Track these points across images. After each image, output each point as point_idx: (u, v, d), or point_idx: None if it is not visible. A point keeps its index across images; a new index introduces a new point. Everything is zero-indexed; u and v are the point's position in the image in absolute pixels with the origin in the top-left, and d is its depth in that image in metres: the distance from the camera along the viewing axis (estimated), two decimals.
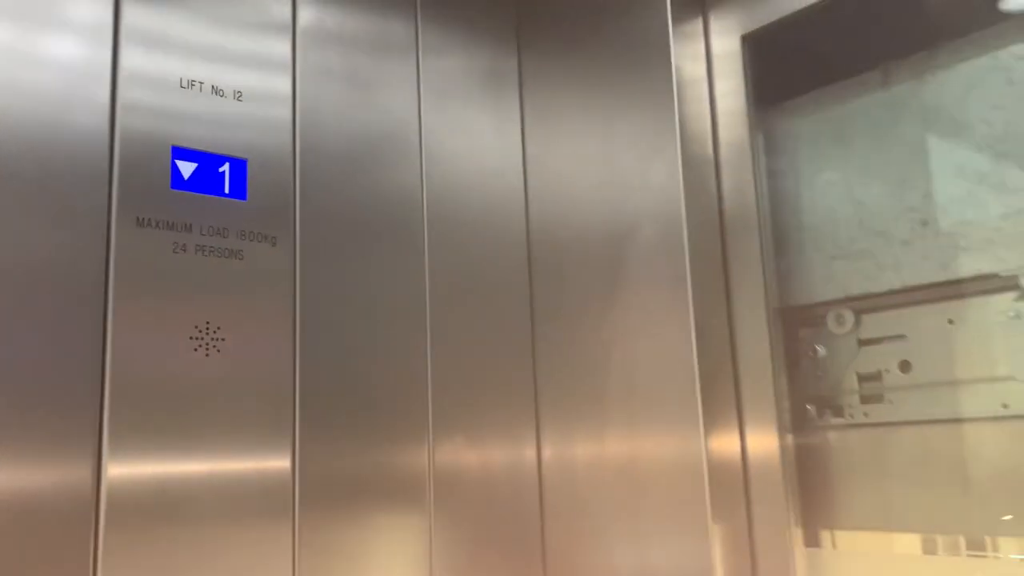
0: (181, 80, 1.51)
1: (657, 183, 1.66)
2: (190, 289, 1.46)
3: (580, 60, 1.87)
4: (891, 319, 1.70)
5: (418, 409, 1.70)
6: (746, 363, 1.66)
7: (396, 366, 1.68)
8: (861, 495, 1.70)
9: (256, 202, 1.55)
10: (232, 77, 1.56)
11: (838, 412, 1.75)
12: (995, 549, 1.52)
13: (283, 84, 1.63)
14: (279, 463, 1.51)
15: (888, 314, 1.70)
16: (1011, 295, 1.53)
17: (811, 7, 1.62)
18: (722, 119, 1.74)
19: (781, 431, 1.62)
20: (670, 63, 1.67)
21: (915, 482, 1.64)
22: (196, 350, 1.45)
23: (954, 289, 1.61)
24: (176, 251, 1.45)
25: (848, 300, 1.74)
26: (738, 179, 1.71)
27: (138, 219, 1.42)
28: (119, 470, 1.34)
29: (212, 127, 1.53)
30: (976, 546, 1.54)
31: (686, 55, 1.73)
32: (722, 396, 1.64)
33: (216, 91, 1.54)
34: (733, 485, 1.62)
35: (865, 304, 1.73)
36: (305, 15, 1.68)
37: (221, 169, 1.52)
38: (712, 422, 1.58)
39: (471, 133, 1.89)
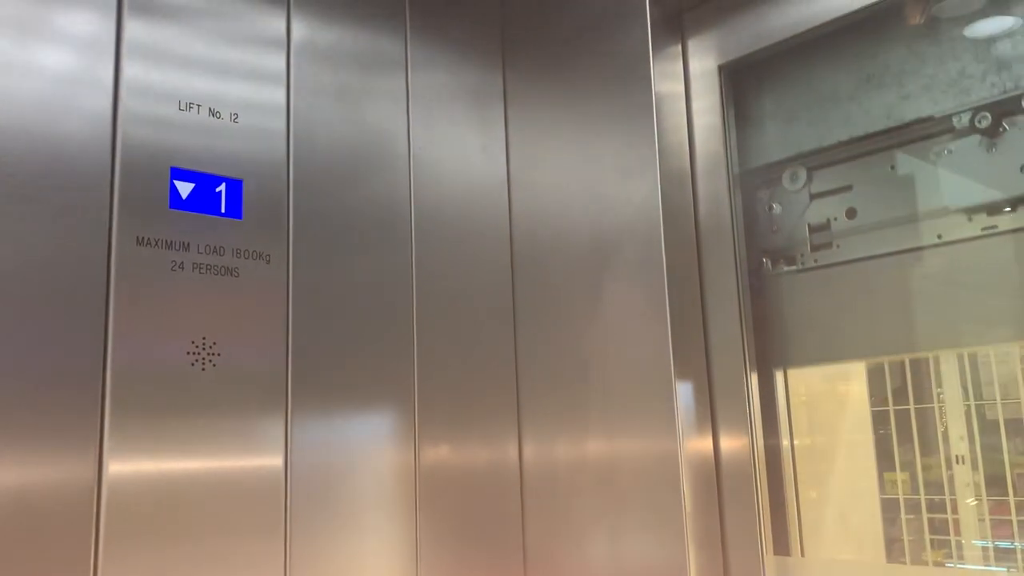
0: (180, 103, 1.55)
1: (636, 199, 1.72)
2: (187, 305, 1.51)
3: (563, 78, 1.93)
4: (840, 172, 1.83)
5: (405, 413, 1.76)
6: (721, 377, 1.73)
7: (384, 374, 1.74)
8: (812, 333, 1.83)
9: (251, 221, 1.60)
10: (229, 98, 1.61)
11: (791, 261, 1.86)
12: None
13: (278, 104, 1.68)
14: (272, 467, 1.56)
15: (837, 168, 1.83)
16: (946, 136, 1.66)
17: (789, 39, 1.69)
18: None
19: (753, 443, 1.68)
20: (650, 83, 1.73)
21: (861, 314, 1.77)
22: (193, 364, 1.50)
23: (895, 136, 1.73)
24: (174, 269, 1.50)
25: (800, 157, 1.85)
26: (714, 187, 1.78)
27: (138, 238, 1.47)
28: (119, 477, 1.39)
29: (210, 149, 1.58)
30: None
31: (665, 74, 1.79)
32: (698, 403, 1.70)
33: (213, 113, 1.59)
34: (707, 487, 1.68)
35: (816, 160, 1.85)
36: (299, 32, 1.73)
37: (218, 189, 1.56)
38: (688, 431, 1.64)
39: (458, 149, 1.95)
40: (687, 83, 1.84)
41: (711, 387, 1.73)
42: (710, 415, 1.72)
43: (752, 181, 1.90)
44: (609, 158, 1.78)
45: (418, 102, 1.90)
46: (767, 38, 1.72)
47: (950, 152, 1.66)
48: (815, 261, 1.83)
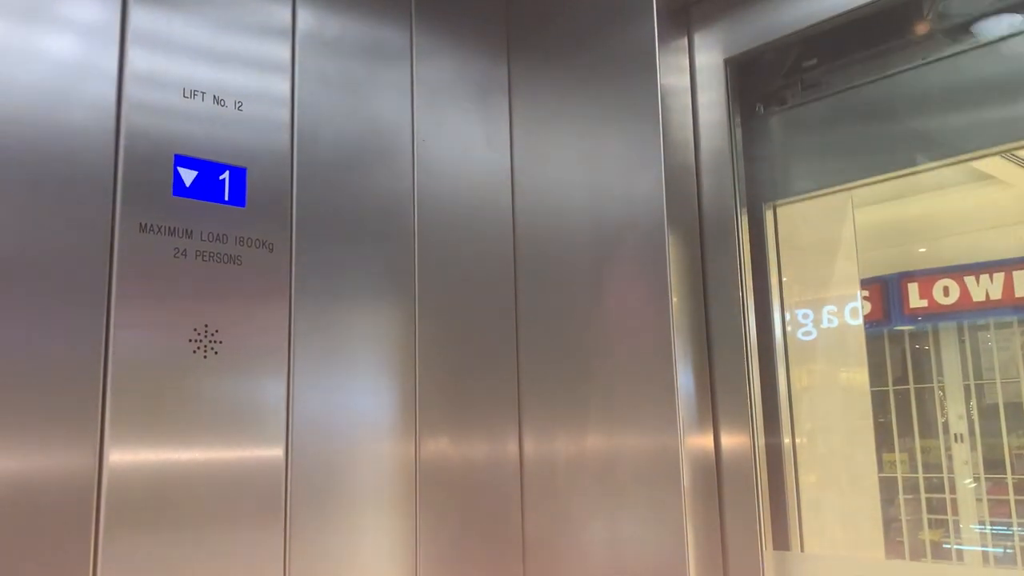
0: (184, 90, 1.55)
1: (640, 192, 1.72)
2: (190, 293, 1.51)
3: (568, 71, 1.92)
4: None
5: (406, 406, 1.76)
6: (723, 372, 1.73)
7: (386, 366, 1.74)
8: (799, 164, 1.86)
9: (255, 209, 1.60)
10: (233, 86, 1.61)
11: (782, 101, 1.87)
12: None
13: (282, 93, 1.67)
14: (273, 456, 1.57)
15: None
16: None
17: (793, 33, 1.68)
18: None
19: (754, 439, 1.68)
20: (656, 76, 1.72)
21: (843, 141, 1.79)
22: (195, 352, 1.50)
23: None
24: (177, 256, 1.50)
25: None
26: (718, 181, 1.77)
27: (141, 224, 1.47)
28: (120, 461, 1.40)
29: (213, 136, 1.58)
30: None
31: (670, 68, 1.79)
32: (699, 399, 1.70)
33: (218, 101, 1.59)
34: (707, 484, 1.69)
35: None
36: (305, 22, 1.72)
37: (221, 177, 1.56)
38: (689, 427, 1.65)
39: (462, 140, 1.95)
40: (693, 77, 1.83)
41: (712, 382, 1.73)
42: (711, 410, 1.72)
43: None
44: (613, 151, 1.78)
45: (423, 93, 1.89)
46: (774, 32, 1.71)
47: None
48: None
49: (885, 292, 7.55)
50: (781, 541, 1.71)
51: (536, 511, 1.86)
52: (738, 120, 1.82)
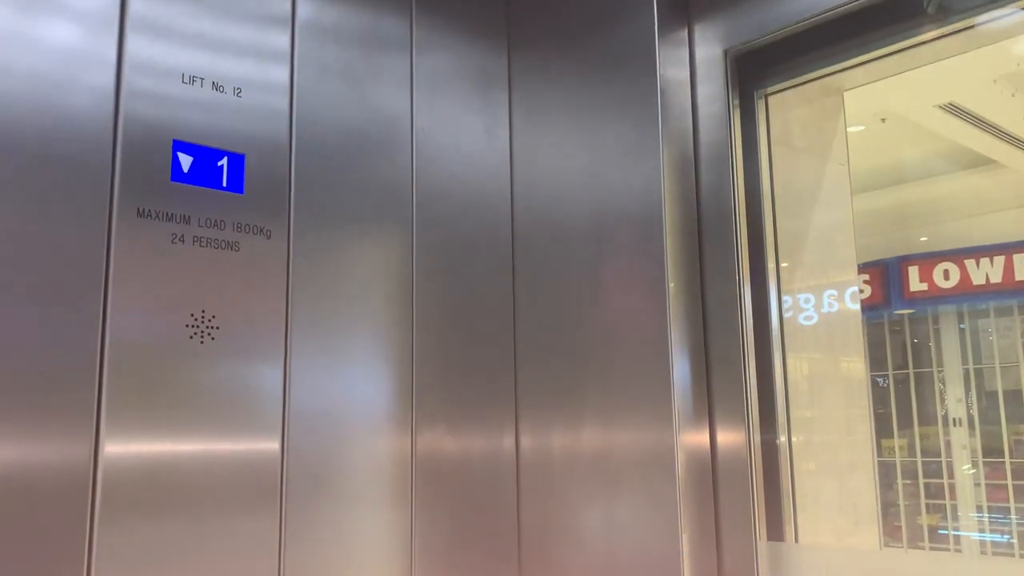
0: (183, 75, 1.55)
1: (638, 184, 1.72)
2: (187, 278, 1.51)
3: (568, 62, 1.91)
4: None
5: (403, 397, 1.76)
6: (719, 365, 1.73)
7: (383, 357, 1.74)
8: None
9: (253, 195, 1.60)
10: (233, 73, 1.61)
11: None
12: None
13: (281, 80, 1.67)
14: (269, 444, 1.57)
15: None
16: None
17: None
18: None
19: (749, 431, 1.68)
20: (655, 68, 1.72)
21: None
22: (192, 337, 1.50)
23: None
24: (174, 241, 1.50)
25: None
26: (717, 173, 1.77)
27: (139, 210, 1.47)
28: (115, 448, 1.40)
29: (212, 122, 1.57)
30: None
31: (670, 60, 1.78)
32: (695, 390, 1.71)
33: (217, 87, 1.58)
34: (702, 476, 1.69)
35: None
36: (304, 9, 1.72)
37: (220, 163, 1.56)
38: (685, 420, 1.65)
39: (461, 130, 1.95)
40: (692, 69, 1.82)
41: (709, 374, 1.73)
42: (707, 401, 1.72)
43: None
44: (612, 142, 1.78)
45: (422, 83, 1.89)
46: (774, 24, 1.70)
47: None
48: None
49: (885, 276, 7.55)
50: (775, 532, 1.72)
51: (532, 503, 1.86)
52: (737, 112, 1.81)
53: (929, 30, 1.66)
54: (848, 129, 2.29)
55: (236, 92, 1.60)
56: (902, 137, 6.06)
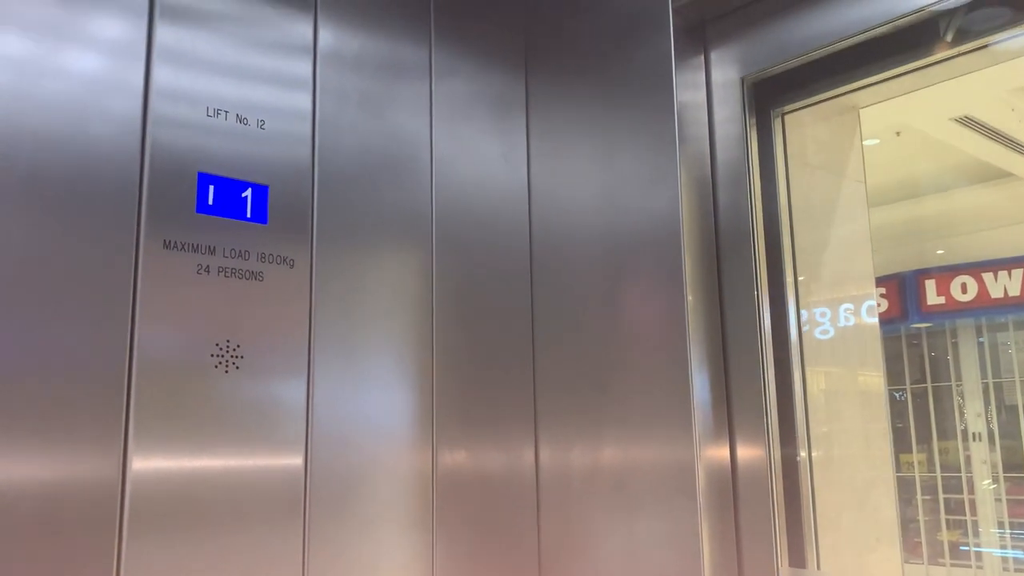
0: (208, 109, 1.57)
1: (657, 208, 1.73)
2: (212, 308, 1.53)
3: (585, 87, 1.93)
4: None
5: (424, 416, 1.78)
6: (738, 384, 1.74)
7: (403, 378, 1.76)
8: None
9: (276, 226, 1.62)
10: (257, 104, 1.63)
11: None
12: None
13: (304, 111, 1.69)
14: (292, 461, 1.59)
15: None
16: None
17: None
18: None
19: (770, 448, 1.69)
20: (672, 92, 1.73)
21: None
22: (216, 367, 1.52)
23: None
24: (200, 272, 1.52)
25: None
26: (734, 197, 1.78)
27: (165, 241, 1.49)
28: (142, 476, 1.42)
29: (236, 154, 1.60)
30: None
31: (687, 84, 1.80)
32: (715, 410, 1.72)
33: (241, 119, 1.61)
34: (723, 498, 1.70)
35: None
36: (326, 39, 1.74)
37: (244, 194, 1.58)
38: (705, 439, 1.66)
39: (479, 156, 1.97)
40: (709, 92, 1.84)
41: (729, 395, 1.74)
42: (727, 424, 1.73)
43: None
44: (630, 167, 1.79)
45: (441, 109, 1.91)
46: (790, 52, 1.72)
47: None
48: None
49: (902, 289, 7.54)
50: (797, 556, 1.73)
51: (552, 523, 1.87)
52: (754, 131, 1.83)
53: (946, 50, 1.67)
54: (863, 142, 2.29)
55: (260, 124, 1.63)
56: (917, 150, 6.06)
